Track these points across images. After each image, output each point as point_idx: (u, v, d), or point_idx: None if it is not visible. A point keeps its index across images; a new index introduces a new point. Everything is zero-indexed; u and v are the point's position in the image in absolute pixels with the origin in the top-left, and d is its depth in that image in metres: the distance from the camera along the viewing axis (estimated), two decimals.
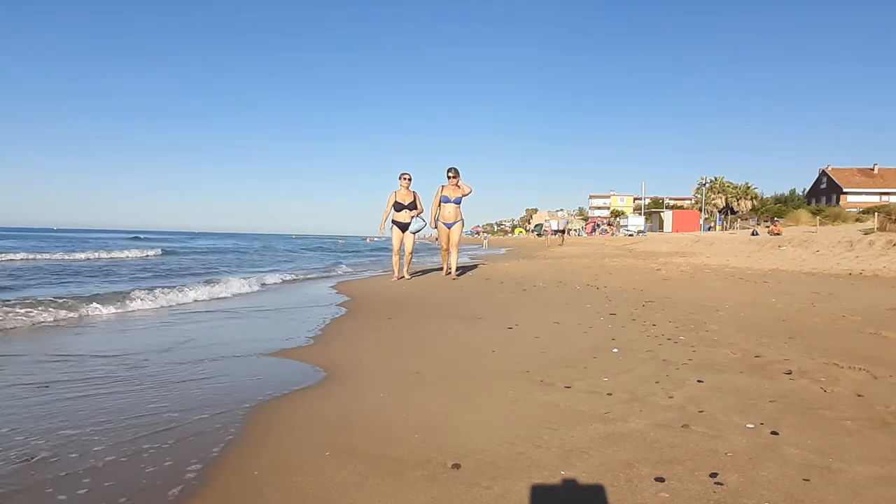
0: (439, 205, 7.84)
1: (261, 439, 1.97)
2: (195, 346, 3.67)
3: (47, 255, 16.10)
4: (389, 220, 7.84)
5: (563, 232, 28.88)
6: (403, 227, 7.83)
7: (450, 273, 8.08)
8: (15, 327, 4.29)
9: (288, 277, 9.61)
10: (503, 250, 27.60)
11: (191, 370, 2.98)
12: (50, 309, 4.86)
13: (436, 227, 8.01)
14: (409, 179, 7.86)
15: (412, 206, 7.79)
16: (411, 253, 8.04)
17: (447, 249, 8.05)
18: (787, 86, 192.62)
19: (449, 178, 7.76)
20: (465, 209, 8.08)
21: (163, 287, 6.61)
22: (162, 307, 5.67)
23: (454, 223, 7.87)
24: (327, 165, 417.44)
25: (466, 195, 7.84)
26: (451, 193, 7.75)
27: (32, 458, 1.80)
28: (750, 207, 52.23)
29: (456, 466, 1.69)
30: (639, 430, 1.98)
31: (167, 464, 1.77)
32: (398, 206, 7.74)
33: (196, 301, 6.23)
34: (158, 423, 2.15)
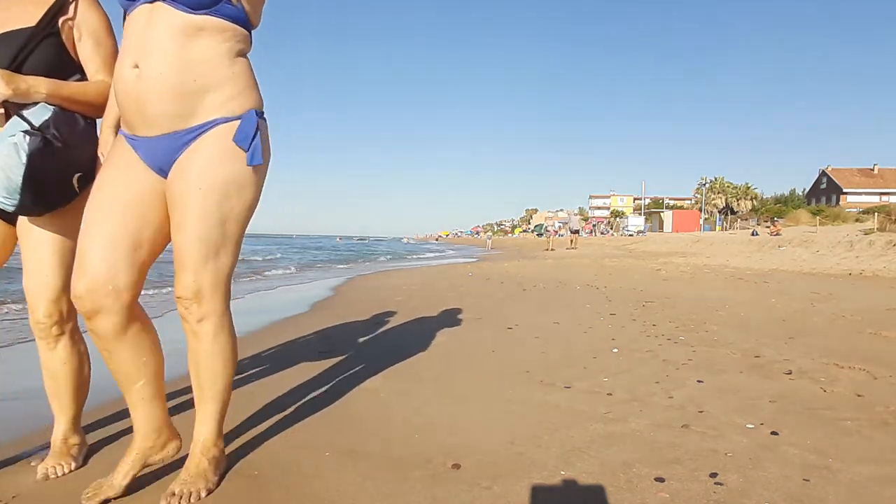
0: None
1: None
2: None
3: None
4: None
5: (576, 232, 25.53)
6: None
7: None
8: None
9: None
10: (503, 251, 27.59)
11: None
12: None
13: None
14: None
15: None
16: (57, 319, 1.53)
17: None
18: (787, 85, 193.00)
19: None
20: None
21: None
22: None
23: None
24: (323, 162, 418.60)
25: None
26: None
27: None
28: (750, 207, 52.32)
29: (456, 466, 1.69)
30: (639, 430, 1.98)
31: None
32: None
33: None
34: None
